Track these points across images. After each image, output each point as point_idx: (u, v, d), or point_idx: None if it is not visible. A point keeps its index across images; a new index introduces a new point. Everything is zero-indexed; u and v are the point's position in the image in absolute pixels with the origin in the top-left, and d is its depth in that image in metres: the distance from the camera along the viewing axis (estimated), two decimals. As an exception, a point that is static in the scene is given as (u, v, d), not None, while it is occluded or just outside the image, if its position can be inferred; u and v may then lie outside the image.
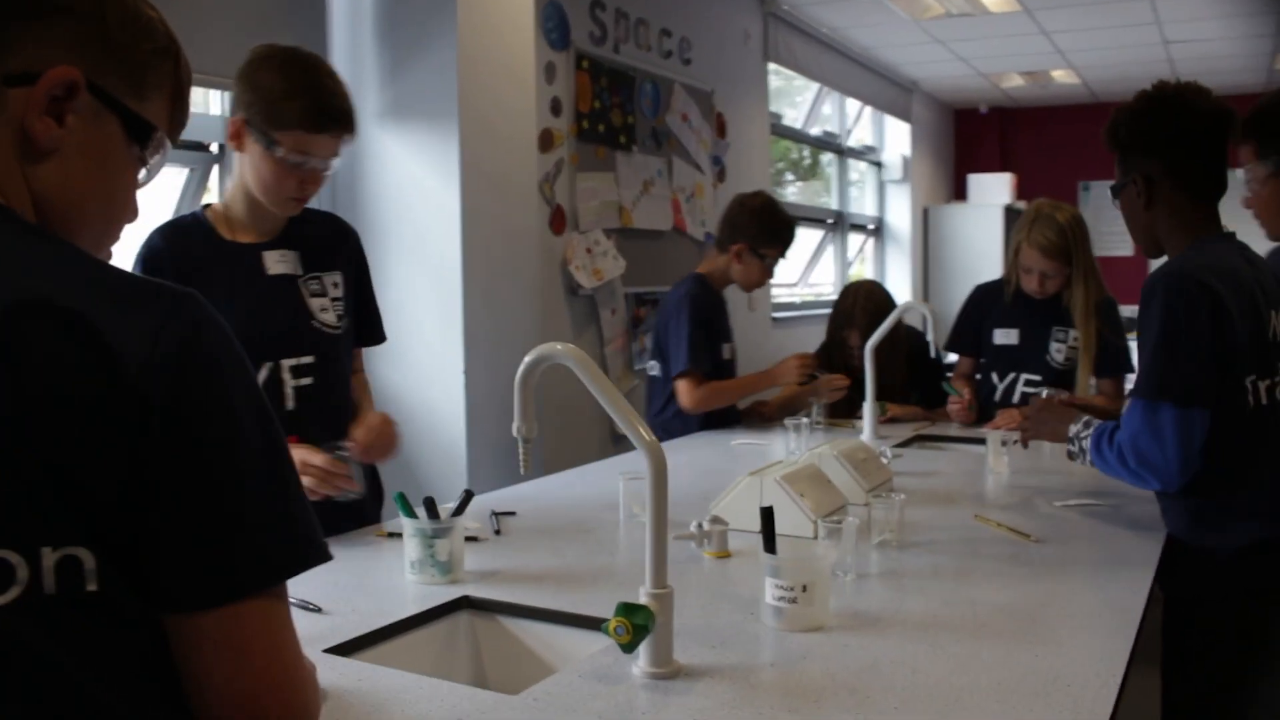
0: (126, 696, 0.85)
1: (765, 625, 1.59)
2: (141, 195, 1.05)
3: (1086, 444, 2.17)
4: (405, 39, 3.63)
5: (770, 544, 1.62)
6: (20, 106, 0.92)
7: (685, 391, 3.47)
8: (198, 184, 3.46)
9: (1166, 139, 2.09)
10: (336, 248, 2.30)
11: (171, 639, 0.87)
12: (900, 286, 8.67)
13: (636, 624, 1.32)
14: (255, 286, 2.15)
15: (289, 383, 2.15)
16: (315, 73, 2.06)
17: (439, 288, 3.67)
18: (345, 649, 1.53)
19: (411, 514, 1.81)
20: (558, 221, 4.48)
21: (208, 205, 2.22)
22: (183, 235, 2.16)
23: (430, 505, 1.82)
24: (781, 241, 3.65)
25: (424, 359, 3.71)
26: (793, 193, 7.88)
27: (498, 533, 2.17)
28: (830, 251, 7.87)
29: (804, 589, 1.56)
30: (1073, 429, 2.23)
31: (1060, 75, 8.10)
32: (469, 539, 2.08)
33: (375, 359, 3.76)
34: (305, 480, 1.99)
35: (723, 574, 1.90)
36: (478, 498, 2.45)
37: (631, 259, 4.88)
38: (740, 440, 3.26)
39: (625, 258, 4.87)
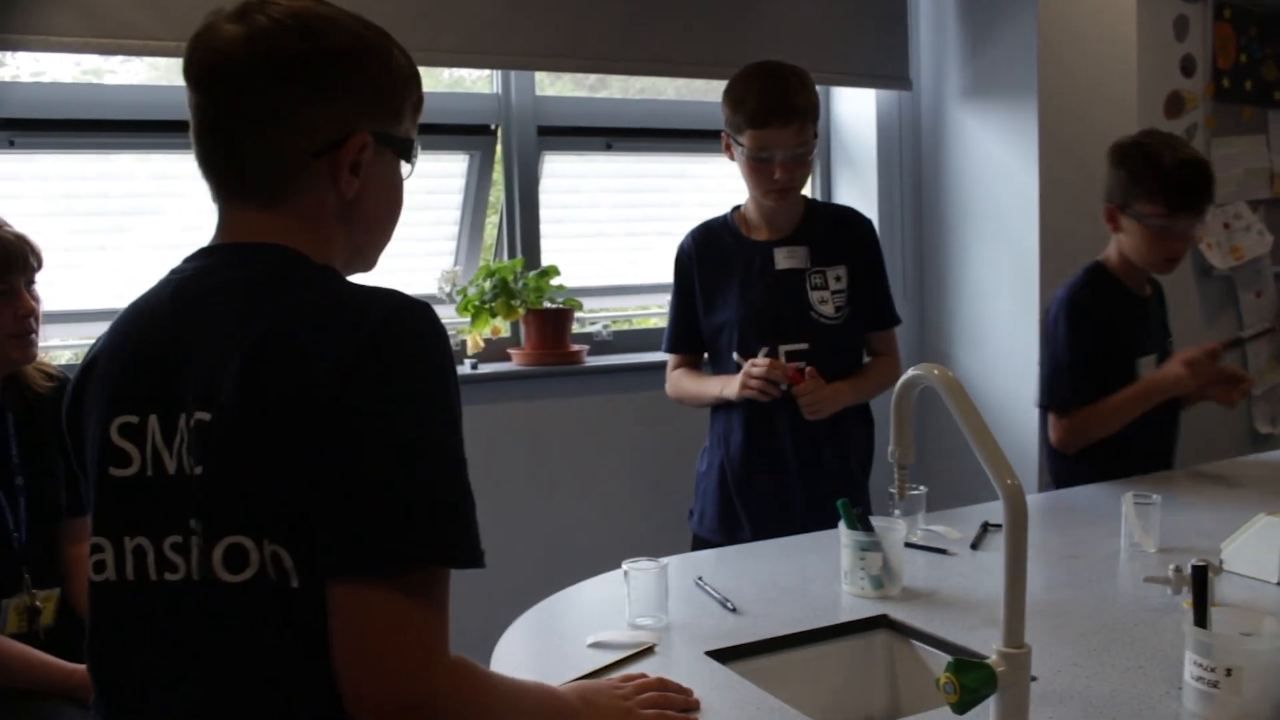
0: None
1: (1184, 709, 1.37)
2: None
3: None
4: (986, 13, 3.50)
5: (1201, 614, 1.38)
6: (325, 173, 1.11)
7: (1052, 428, 2.57)
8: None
9: None
10: (844, 242, 2.44)
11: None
12: None
13: (965, 684, 1.22)
14: (765, 279, 2.41)
15: None
16: (766, 79, 2.28)
17: (1016, 272, 3.52)
18: (737, 653, 1.59)
19: (853, 524, 1.81)
20: (1186, 195, 4.02)
21: (737, 207, 2.50)
22: (711, 236, 2.50)
23: (863, 517, 1.80)
24: (1161, 192, 2.44)
25: (1000, 344, 3.59)
26: None
27: (974, 547, 2.06)
28: None
29: (1228, 673, 1.32)
30: None
31: None
32: (938, 551, 2.03)
33: (953, 344, 3.72)
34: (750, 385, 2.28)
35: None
36: (988, 504, 2.34)
37: (1283, 234, 4.25)
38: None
39: (1275, 233, 4.24)
